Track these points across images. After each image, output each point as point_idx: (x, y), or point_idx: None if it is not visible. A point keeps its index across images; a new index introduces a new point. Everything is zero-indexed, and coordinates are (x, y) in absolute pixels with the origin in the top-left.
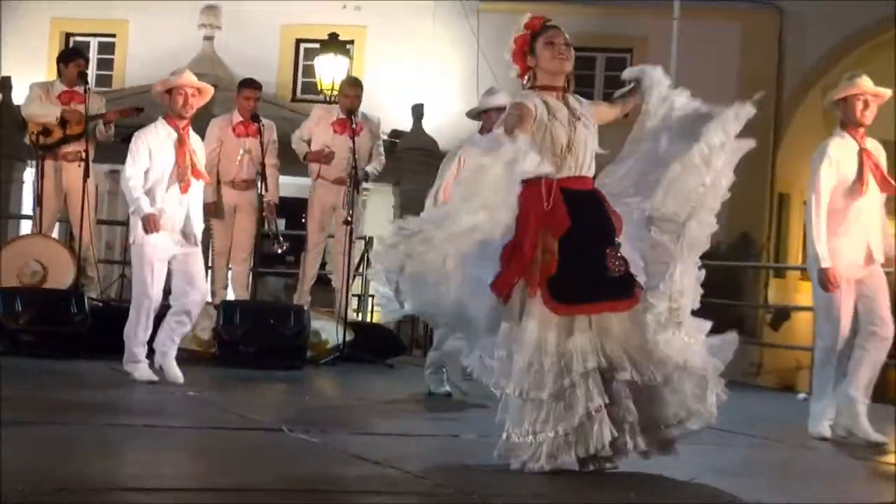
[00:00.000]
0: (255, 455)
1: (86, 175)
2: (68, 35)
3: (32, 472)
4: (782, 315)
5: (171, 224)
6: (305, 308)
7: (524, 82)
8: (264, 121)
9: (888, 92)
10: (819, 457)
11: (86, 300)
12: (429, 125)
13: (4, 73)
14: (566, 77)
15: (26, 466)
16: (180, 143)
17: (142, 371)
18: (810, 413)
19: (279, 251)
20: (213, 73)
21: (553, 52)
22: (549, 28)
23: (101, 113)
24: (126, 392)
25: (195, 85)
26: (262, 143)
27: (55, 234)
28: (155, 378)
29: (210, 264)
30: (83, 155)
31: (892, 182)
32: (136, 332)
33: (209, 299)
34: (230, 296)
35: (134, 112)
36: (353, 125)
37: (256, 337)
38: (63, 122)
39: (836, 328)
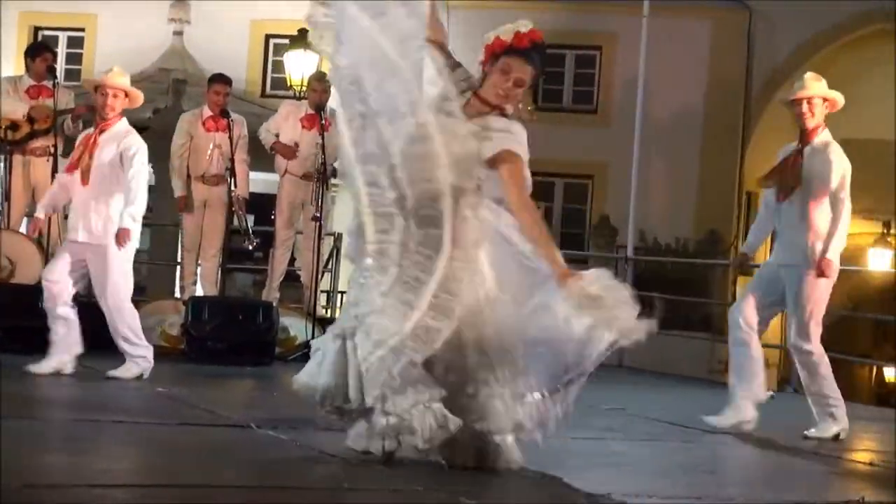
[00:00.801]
0: (223, 451)
1: (54, 170)
2: (37, 29)
3: None
4: None
5: (74, 215)
6: (274, 304)
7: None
8: (234, 116)
9: (838, 96)
10: (787, 454)
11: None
12: None
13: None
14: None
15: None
16: (89, 139)
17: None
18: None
19: (249, 247)
20: (182, 67)
21: (500, 82)
22: (521, 55)
23: (70, 108)
24: (95, 388)
25: (118, 86)
26: (231, 139)
27: (22, 229)
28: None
29: (179, 260)
30: (51, 150)
31: (791, 184)
32: None
33: (178, 295)
34: (199, 292)
35: None
36: (322, 120)
37: (225, 333)
38: (31, 118)
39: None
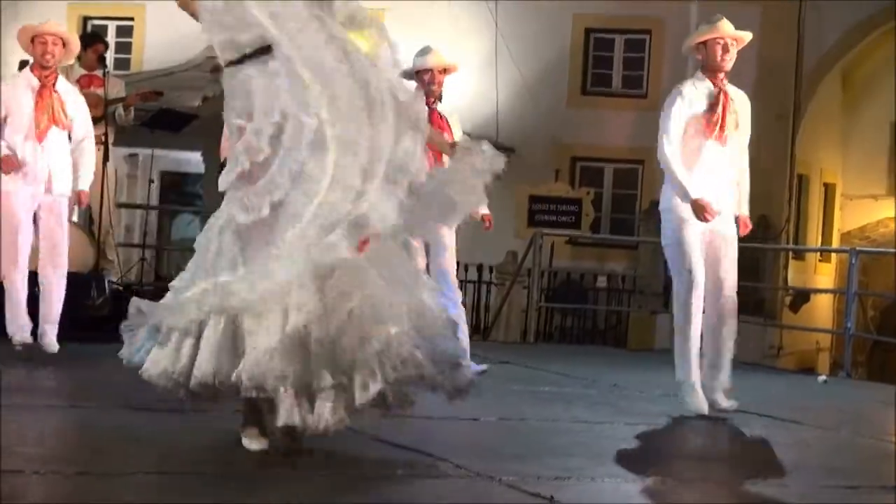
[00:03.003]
0: None
1: (105, 158)
2: (86, 19)
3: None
4: (802, 297)
5: (33, 174)
6: None
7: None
8: None
9: (747, 35)
10: (838, 438)
11: (106, 284)
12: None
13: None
14: None
15: (47, 450)
16: (40, 92)
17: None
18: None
19: None
20: None
21: None
22: None
23: (121, 97)
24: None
25: (55, 32)
26: None
27: (75, 218)
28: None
29: None
30: (103, 138)
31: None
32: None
33: None
34: None
35: (154, 95)
36: None
37: None
38: None
39: (692, 276)
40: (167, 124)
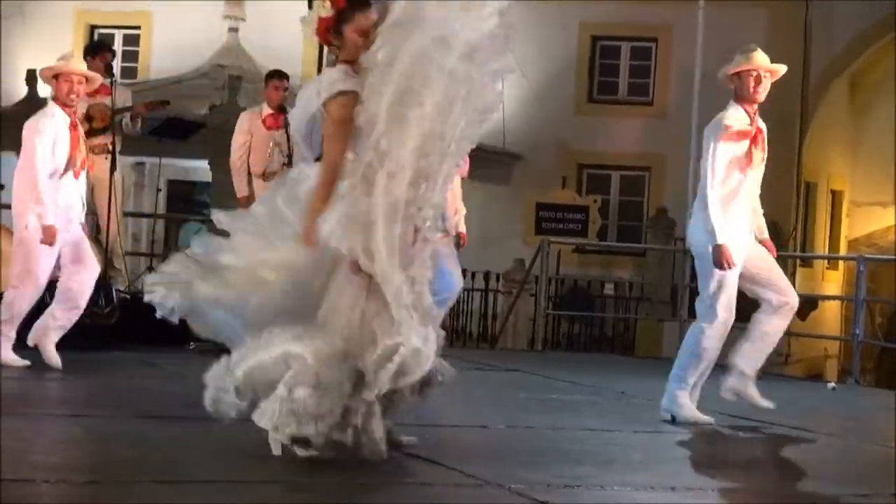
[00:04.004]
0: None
1: (113, 167)
2: (93, 27)
3: (62, 464)
4: (809, 304)
5: (66, 212)
6: None
7: None
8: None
9: (783, 68)
10: (848, 446)
11: (114, 292)
12: None
13: (30, 66)
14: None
15: (64, 458)
16: (72, 129)
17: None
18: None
19: None
20: (237, 64)
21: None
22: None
23: (128, 106)
24: (156, 383)
25: (80, 72)
26: (288, 135)
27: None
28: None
29: None
30: (110, 147)
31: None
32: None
33: None
34: None
35: (160, 105)
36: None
37: None
38: (89, 116)
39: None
40: (174, 133)
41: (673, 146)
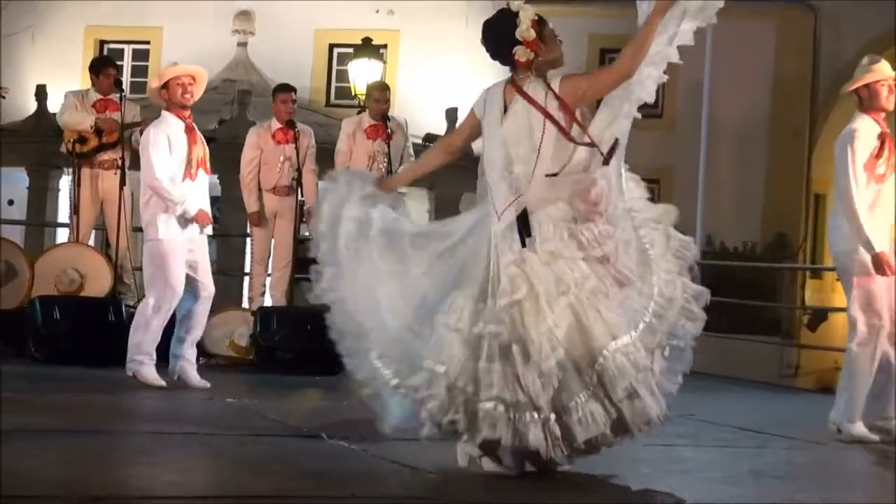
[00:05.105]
0: (294, 462)
1: (122, 183)
2: (102, 42)
3: (68, 481)
4: (819, 316)
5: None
6: None
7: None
8: (301, 126)
9: None
10: (857, 458)
11: (123, 307)
12: None
13: (39, 82)
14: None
15: (62, 475)
16: (189, 130)
17: (150, 373)
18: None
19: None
20: (246, 78)
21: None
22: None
23: (137, 121)
24: (165, 400)
25: (189, 72)
26: (298, 149)
27: (91, 242)
28: (163, 382)
29: (247, 271)
30: (119, 163)
31: None
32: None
33: (246, 305)
34: (267, 301)
35: None
36: (388, 130)
37: (294, 343)
38: (98, 131)
39: (882, 321)
40: None
41: (682, 158)
